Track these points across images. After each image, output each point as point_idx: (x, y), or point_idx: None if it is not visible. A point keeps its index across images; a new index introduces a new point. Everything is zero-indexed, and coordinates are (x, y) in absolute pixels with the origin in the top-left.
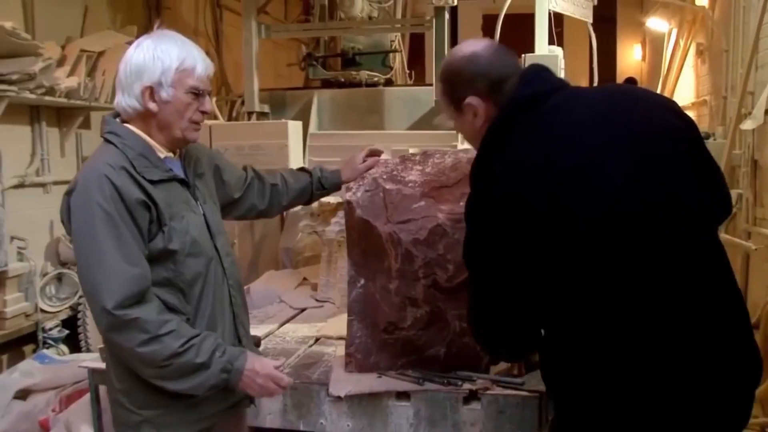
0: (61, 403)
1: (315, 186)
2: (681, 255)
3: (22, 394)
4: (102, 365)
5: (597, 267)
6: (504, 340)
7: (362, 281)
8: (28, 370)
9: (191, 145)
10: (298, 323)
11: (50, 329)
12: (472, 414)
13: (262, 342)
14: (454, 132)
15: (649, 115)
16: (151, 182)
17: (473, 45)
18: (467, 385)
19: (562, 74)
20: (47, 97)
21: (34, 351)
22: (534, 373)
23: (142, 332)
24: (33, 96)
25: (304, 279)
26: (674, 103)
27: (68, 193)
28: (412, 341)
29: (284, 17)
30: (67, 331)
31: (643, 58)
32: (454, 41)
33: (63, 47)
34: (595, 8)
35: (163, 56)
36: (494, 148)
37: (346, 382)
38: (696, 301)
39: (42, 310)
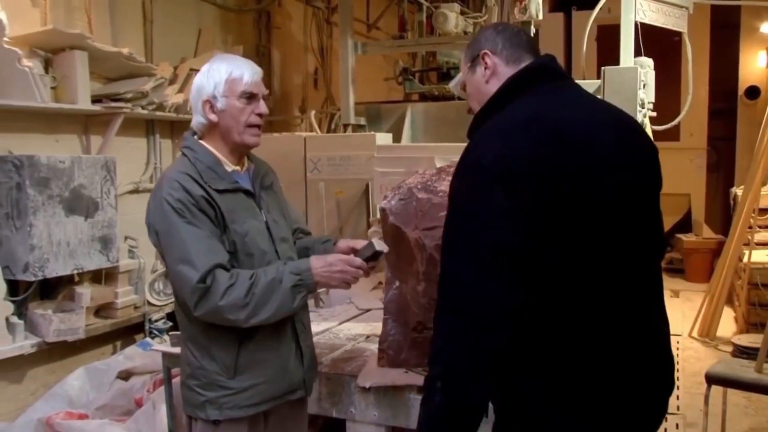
0: (153, 385)
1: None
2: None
3: (125, 375)
4: (172, 350)
5: (586, 222)
6: (488, 326)
7: (397, 283)
8: (131, 355)
9: (262, 163)
10: (356, 322)
11: (156, 321)
12: None
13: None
14: None
15: (647, 151)
16: (217, 191)
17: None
18: None
19: (639, 87)
20: (158, 113)
21: (143, 339)
22: None
23: (220, 286)
24: (145, 112)
25: (379, 283)
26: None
27: (151, 197)
28: None
29: (397, 30)
30: (171, 323)
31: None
32: (568, 50)
33: (176, 67)
34: (716, 16)
35: (214, 73)
36: (506, 102)
37: (373, 375)
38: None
39: (149, 303)
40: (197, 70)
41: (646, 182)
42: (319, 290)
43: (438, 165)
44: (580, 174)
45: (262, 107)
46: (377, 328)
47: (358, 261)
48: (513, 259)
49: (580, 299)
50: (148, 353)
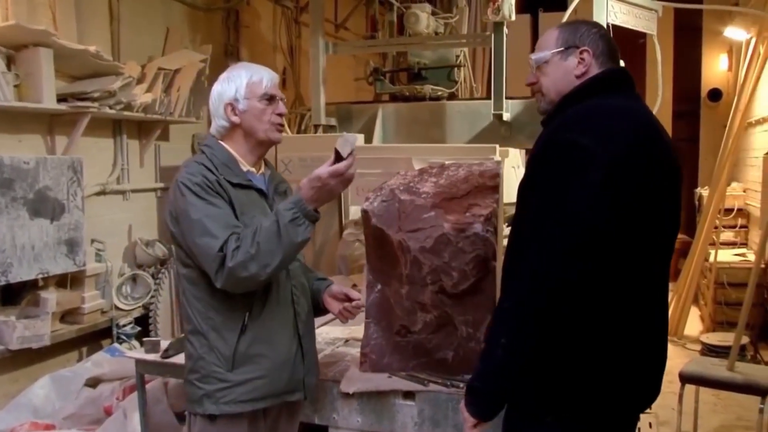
0: (123, 392)
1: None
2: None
3: (92, 382)
4: (146, 356)
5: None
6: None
7: (379, 286)
8: (99, 361)
9: (278, 173)
10: (334, 326)
11: (124, 325)
12: None
13: None
14: (493, 146)
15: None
16: (231, 184)
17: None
18: None
19: None
20: (126, 112)
21: (110, 345)
22: None
23: (229, 250)
24: (113, 111)
25: (354, 285)
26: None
27: (171, 187)
28: (423, 344)
29: (365, 32)
30: (138, 328)
31: (729, 68)
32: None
33: (143, 66)
34: (679, 18)
35: (234, 78)
36: (591, 95)
37: (356, 380)
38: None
39: (117, 308)
40: (166, 69)
41: (678, 190)
42: None
43: (416, 166)
44: (660, 169)
45: (282, 107)
46: (356, 331)
47: (342, 167)
48: (593, 237)
49: (612, 289)
50: (117, 359)
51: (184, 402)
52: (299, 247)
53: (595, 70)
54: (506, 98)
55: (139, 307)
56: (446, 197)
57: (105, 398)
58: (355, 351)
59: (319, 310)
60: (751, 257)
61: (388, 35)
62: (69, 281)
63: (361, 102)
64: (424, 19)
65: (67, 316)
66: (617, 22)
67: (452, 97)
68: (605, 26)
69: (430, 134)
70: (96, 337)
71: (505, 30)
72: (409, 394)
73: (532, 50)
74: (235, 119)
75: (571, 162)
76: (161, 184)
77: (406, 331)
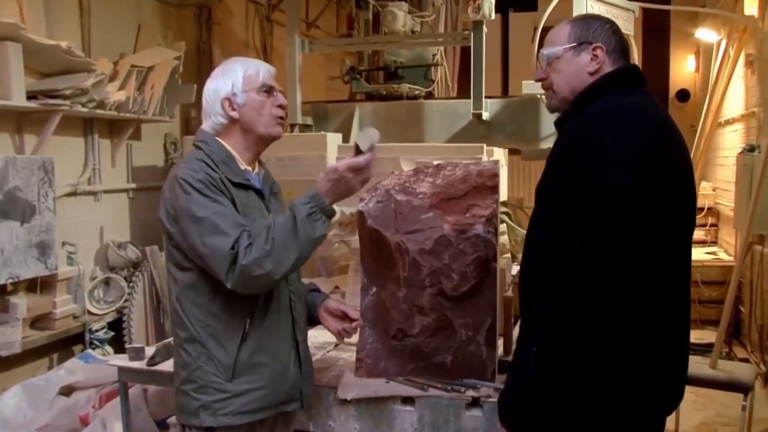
0: (100, 400)
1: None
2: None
3: (66, 391)
4: (131, 364)
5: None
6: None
7: (374, 289)
8: (73, 369)
9: (271, 170)
10: (321, 329)
11: (97, 331)
12: (474, 421)
13: None
14: (481, 145)
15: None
16: (232, 183)
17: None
18: (470, 393)
19: None
20: (98, 111)
21: (82, 351)
22: None
23: (242, 248)
24: (85, 109)
25: (336, 287)
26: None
27: (166, 186)
28: (420, 348)
29: (335, 30)
30: (112, 333)
31: (697, 69)
32: (505, 52)
33: (115, 63)
34: (648, 19)
35: (230, 72)
36: (603, 95)
37: (353, 386)
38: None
39: (89, 312)
40: (139, 67)
41: (694, 187)
42: None
43: (403, 165)
44: (678, 166)
45: (281, 99)
46: None
47: (361, 160)
48: (618, 238)
49: (639, 290)
50: (92, 366)
51: (164, 409)
52: (316, 243)
53: (608, 68)
54: (485, 97)
55: (112, 311)
56: (444, 198)
57: (80, 407)
58: (347, 355)
59: (313, 322)
60: (722, 255)
61: (364, 33)
62: (39, 286)
63: (338, 101)
64: (401, 18)
65: (37, 321)
66: None
67: (429, 96)
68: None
69: (408, 133)
70: (67, 343)
71: (485, 29)
72: (408, 400)
73: (504, 50)
74: (234, 114)
75: (593, 161)
76: (133, 185)
77: (403, 335)
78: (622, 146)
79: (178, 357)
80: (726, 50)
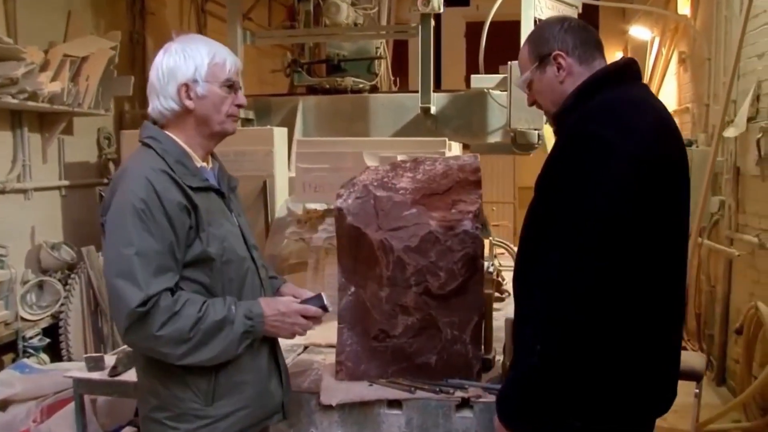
0: (42, 413)
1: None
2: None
3: (2, 405)
4: (89, 375)
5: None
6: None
7: (353, 289)
8: (8, 380)
9: (225, 164)
10: None
11: (30, 338)
12: (464, 422)
13: None
14: (443, 139)
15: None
16: (191, 188)
17: (564, 14)
18: (459, 393)
19: None
20: (30, 102)
21: (14, 360)
22: None
23: (162, 314)
24: (15, 101)
25: None
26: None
27: (109, 194)
28: (403, 349)
29: (268, 23)
30: (48, 340)
31: None
32: (437, 48)
33: (46, 52)
34: (578, 16)
35: (193, 54)
36: (594, 93)
37: (337, 391)
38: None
39: (22, 319)
40: (72, 57)
41: (689, 181)
42: None
43: (367, 160)
44: (676, 160)
45: (242, 98)
46: (312, 336)
47: (312, 310)
48: (619, 233)
49: (638, 287)
50: (30, 377)
51: (114, 420)
52: (231, 357)
53: (578, 67)
54: (433, 91)
55: (47, 316)
56: (426, 193)
57: (20, 421)
58: (320, 358)
59: None
60: None
61: (304, 25)
62: None
63: (280, 94)
64: (344, 10)
65: None
66: (543, 17)
67: (373, 89)
68: (535, 21)
69: (354, 128)
70: None
71: (432, 22)
72: (394, 403)
73: (437, 44)
74: (189, 104)
75: (593, 154)
76: (66, 182)
77: (385, 336)
78: (621, 139)
79: (146, 381)
80: (659, 48)
